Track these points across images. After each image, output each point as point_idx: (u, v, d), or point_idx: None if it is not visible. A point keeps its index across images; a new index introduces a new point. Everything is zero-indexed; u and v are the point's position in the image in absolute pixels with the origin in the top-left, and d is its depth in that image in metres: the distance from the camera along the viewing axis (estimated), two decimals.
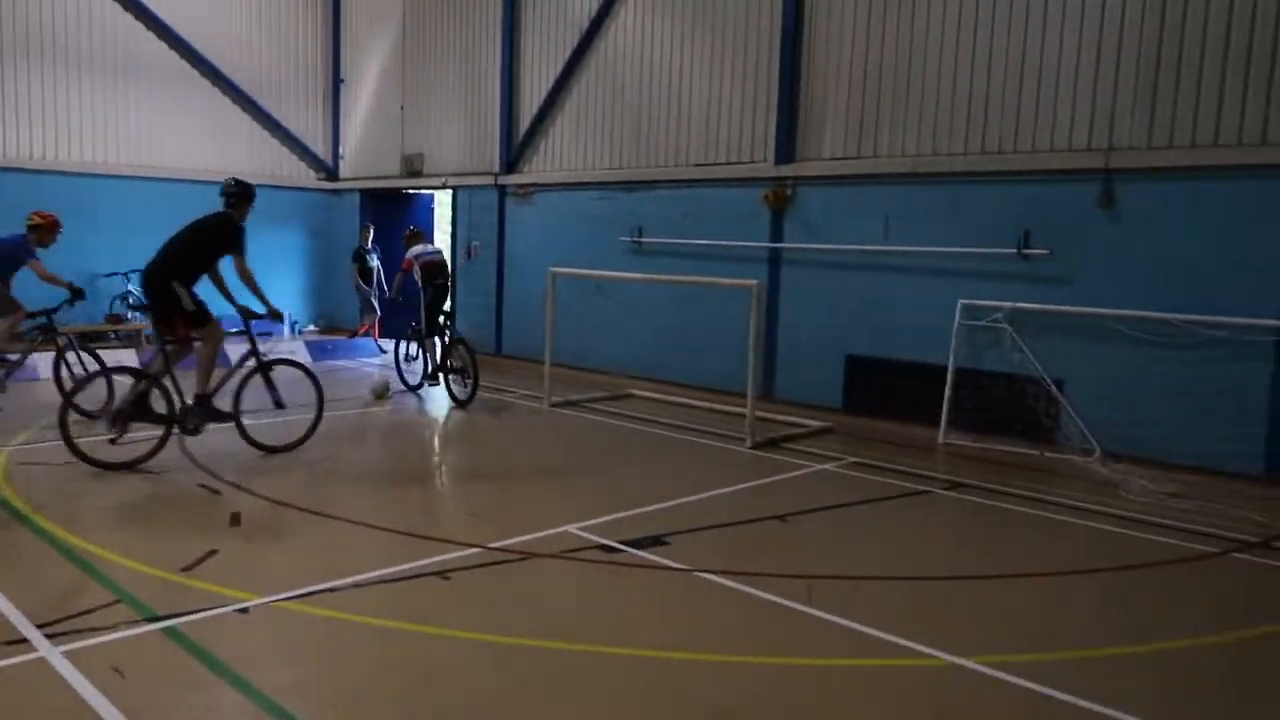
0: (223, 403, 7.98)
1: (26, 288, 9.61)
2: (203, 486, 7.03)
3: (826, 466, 8.31)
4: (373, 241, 15.70)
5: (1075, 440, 8.59)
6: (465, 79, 14.92)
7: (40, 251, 9.43)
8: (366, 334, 15.63)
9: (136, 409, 7.57)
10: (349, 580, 5.16)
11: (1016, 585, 5.55)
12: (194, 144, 15.86)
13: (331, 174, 17.49)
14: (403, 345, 12.00)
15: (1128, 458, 8.31)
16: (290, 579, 5.16)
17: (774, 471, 8.10)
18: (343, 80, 17.30)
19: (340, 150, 17.48)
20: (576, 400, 11.06)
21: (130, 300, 14.78)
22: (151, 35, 15.20)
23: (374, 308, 15.54)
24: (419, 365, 11.57)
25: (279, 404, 8.09)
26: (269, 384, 8.08)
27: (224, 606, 4.75)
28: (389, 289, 12.88)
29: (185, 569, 5.25)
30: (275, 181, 16.77)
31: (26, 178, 14.05)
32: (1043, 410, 8.78)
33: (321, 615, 4.71)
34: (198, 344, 7.80)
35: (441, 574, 5.35)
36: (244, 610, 4.73)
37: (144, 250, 13.53)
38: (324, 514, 6.44)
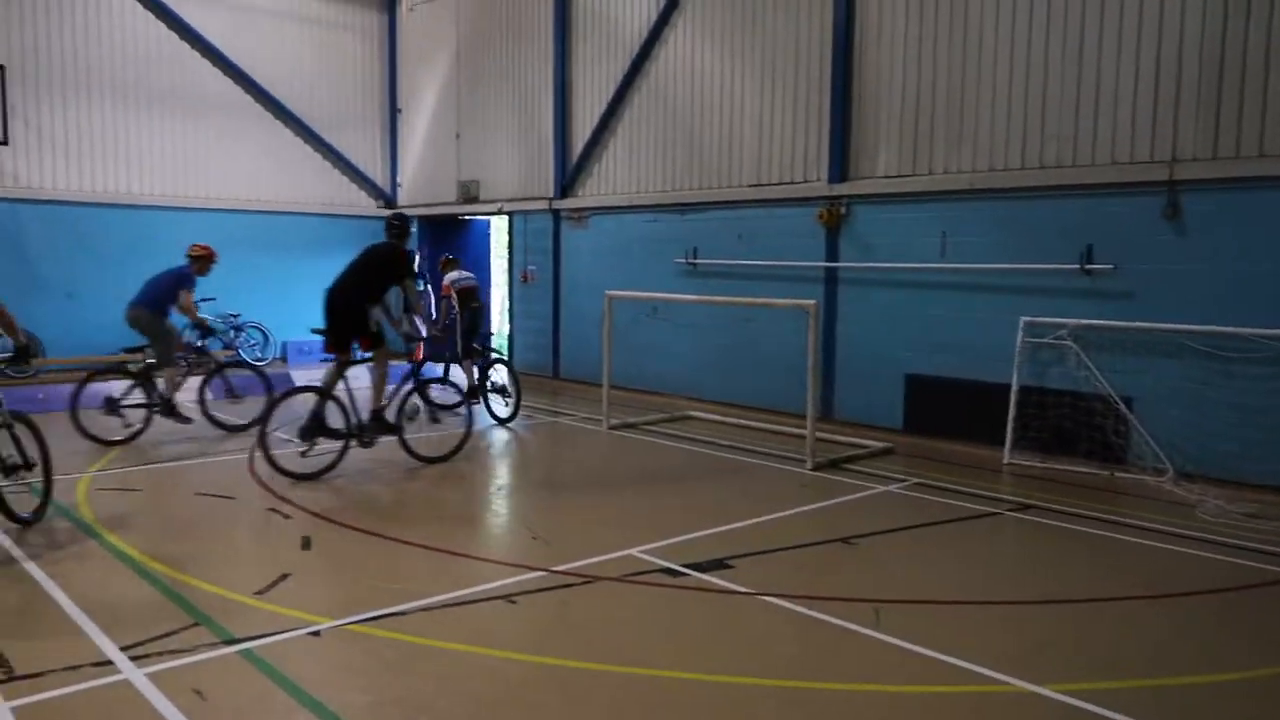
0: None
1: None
2: (273, 510, 7.19)
3: (890, 488, 8.22)
4: (419, 267, 15.91)
5: (1147, 460, 8.39)
6: (519, 106, 15.16)
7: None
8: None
9: (316, 425, 8.22)
10: (417, 604, 5.24)
11: (1090, 610, 5.43)
12: (259, 176, 16.30)
13: (390, 201, 17.84)
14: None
15: (1201, 477, 8.09)
16: (359, 602, 5.25)
17: (836, 493, 8.03)
18: (400, 110, 17.68)
19: (398, 178, 17.85)
20: (635, 423, 11.09)
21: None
22: (218, 72, 15.70)
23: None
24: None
25: (435, 419, 9.08)
26: (426, 401, 8.92)
27: (297, 629, 4.85)
28: (436, 314, 13.07)
29: (259, 592, 5.38)
30: (336, 210, 17.19)
31: (101, 211, 14.60)
32: (1111, 429, 8.60)
33: (391, 638, 4.78)
34: (371, 363, 8.50)
35: (507, 598, 5.40)
36: (316, 633, 4.82)
37: (216, 279, 14.01)
38: (390, 537, 6.54)
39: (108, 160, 14.82)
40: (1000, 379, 9.26)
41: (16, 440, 6.57)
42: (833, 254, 10.86)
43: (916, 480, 8.45)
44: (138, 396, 9.76)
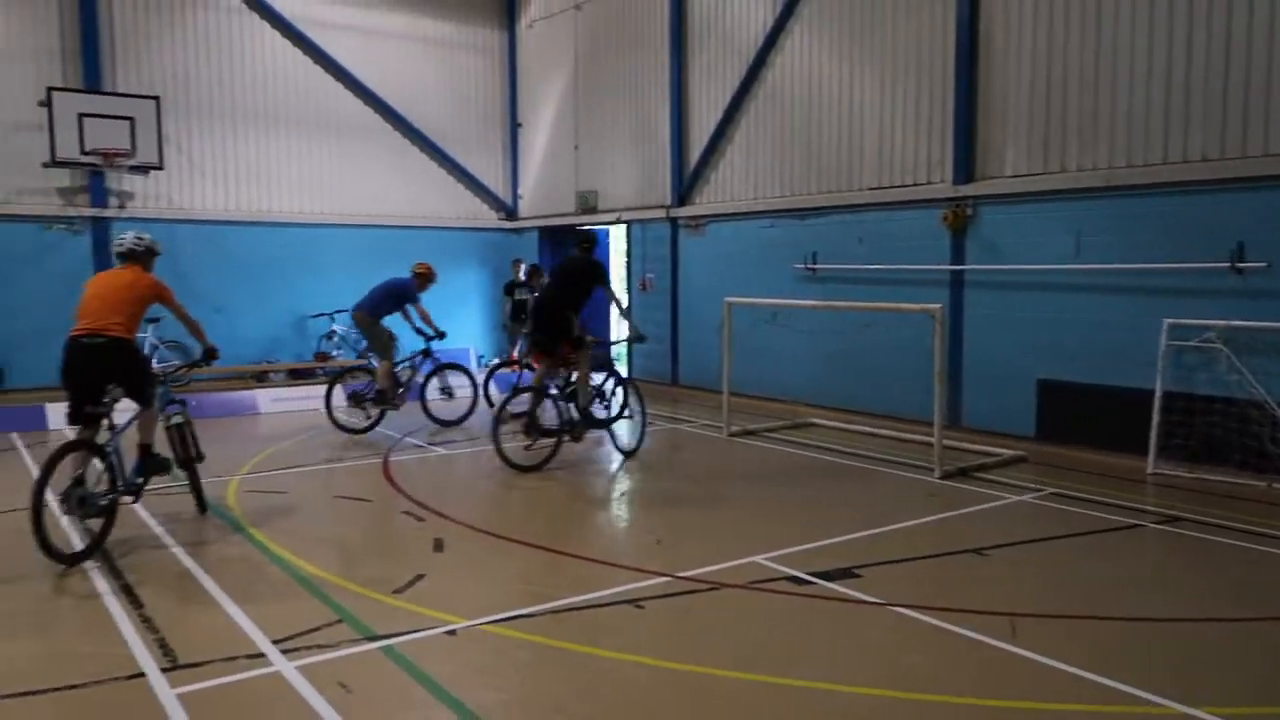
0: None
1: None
2: (407, 514, 7.46)
3: (1023, 498, 7.92)
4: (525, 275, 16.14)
5: None
6: (636, 116, 15.32)
7: None
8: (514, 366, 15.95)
9: (534, 422, 9.03)
10: (545, 606, 5.35)
11: (1246, 630, 5.10)
12: (388, 192, 16.99)
13: (511, 213, 18.31)
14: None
15: None
16: (492, 603, 5.39)
17: (966, 503, 7.79)
18: (520, 124, 18.13)
19: (519, 190, 18.29)
20: (755, 429, 11.03)
21: (335, 339, 15.92)
22: (350, 95, 16.44)
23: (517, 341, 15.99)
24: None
25: (627, 414, 9.77)
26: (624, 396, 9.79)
27: (434, 628, 5.02)
28: None
29: (397, 591, 5.59)
30: (460, 223, 17.75)
31: (244, 230, 15.47)
32: (1268, 436, 8.06)
33: (522, 639, 4.89)
34: (575, 365, 9.38)
35: (634, 602, 5.45)
36: (451, 632, 4.98)
37: (347, 292, 14.56)
38: (517, 540, 6.70)
39: (250, 181, 15.70)
40: (1141, 384, 8.80)
41: (190, 437, 7.31)
42: (958, 256, 10.55)
43: (1052, 490, 8.12)
44: (371, 392, 10.96)
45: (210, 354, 7.25)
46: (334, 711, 4.07)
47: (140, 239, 6.93)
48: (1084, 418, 9.42)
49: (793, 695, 4.29)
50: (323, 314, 15.92)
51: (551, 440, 9.12)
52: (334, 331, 15.94)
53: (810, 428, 11.31)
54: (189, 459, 7.32)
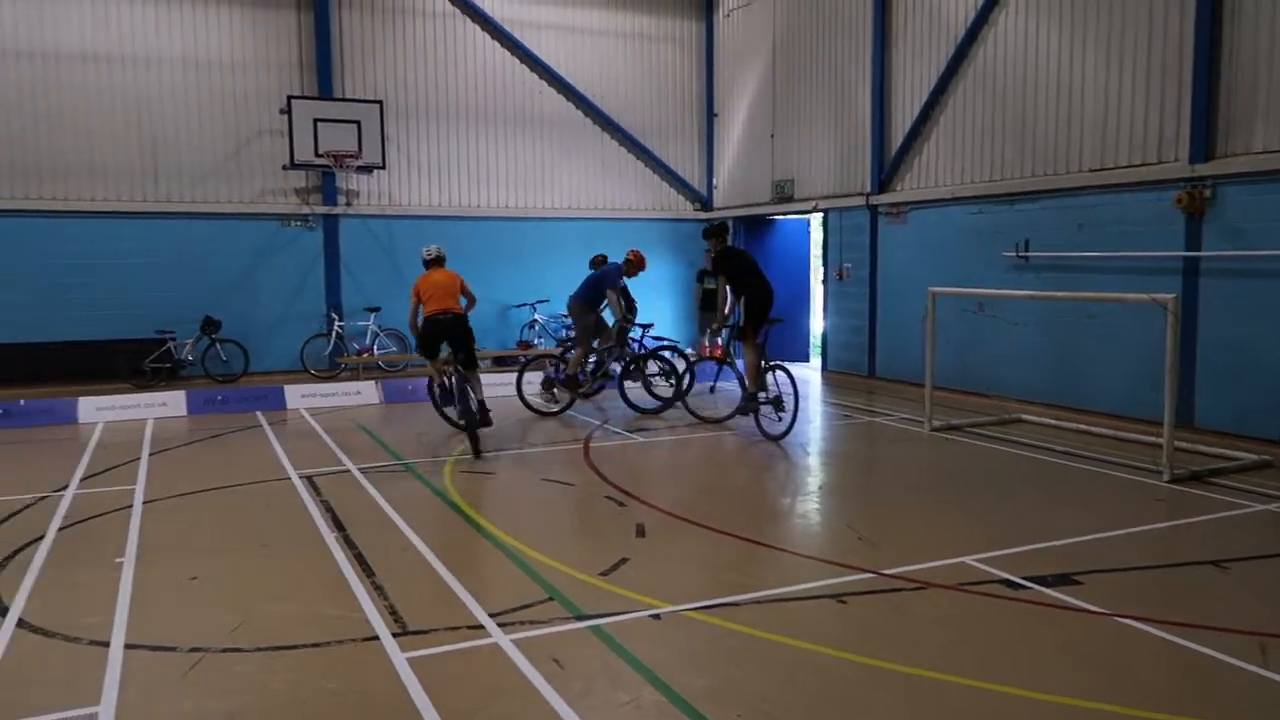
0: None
1: None
2: (609, 499, 7.68)
3: (1269, 507, 7.19)
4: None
5: None
6: (834, 102, 15.00)
7: None
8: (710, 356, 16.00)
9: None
10: (749, 596, 5.36)
11: None
12: (588, 185, 17.50)
13: (706, 204, 18.39)
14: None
15: None
16: (695, 590, 5.47)
17: (1201, 510, 7.16)
18: (716, 114, 18.16)
19: (714, 180, 18.34)
20: (959, 424, 10.58)
21: (537, 328, 16.57)
22: (553, 91, 17.02)
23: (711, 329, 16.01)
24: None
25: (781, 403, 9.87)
26: (776, 383, 9.99)
27: (639, 611, 5.15)
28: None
29: (603, 573, 5.77)
30: (656, 214, 18.02)
31: (457, 223, 16.34)
32: None
33: (727, 627, 4.93)
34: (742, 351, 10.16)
35: (837, 597, 5.38)
36: (656, 616, 5.09)
37: (547, 283, 15.08)
38: (717, 529, 6.75)
39: (464, 178, 16.58)
40: None
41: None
42: (1194, 242, 9.67)
43: None
44: (561, 377, 11.65)
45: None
46: (548, 685, 4.26)
47: (440, 249, 10.47)
48: None
49: (1007, 702, 4.10)
50: (525, 304, 16.60)
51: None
52: (536, 321, 16.59)
53: (1019, 424, 10.72)
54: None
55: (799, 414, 10.07)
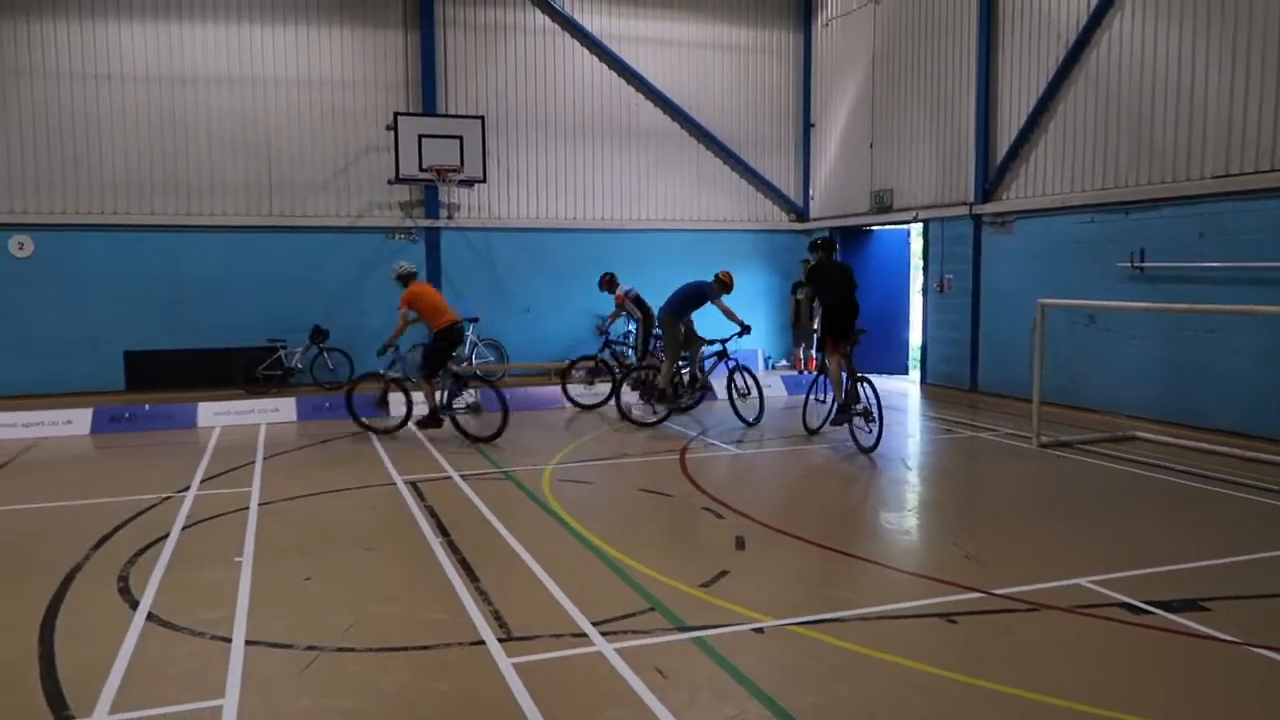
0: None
1: None
2: (707, 510, 7.64)
3: None
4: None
5: None
6: (936, 110, 14.69)
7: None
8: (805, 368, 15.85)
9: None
10: (854, 612, 5.26)
11: None
12: (685, 197, 17.55)
13: (802, 215, 18.22)
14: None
15: None
16: (798, 604, 5.39)
17: None
18: (813, 124, 17.99)
19: (810, 191, 18.16)
20: (1070, 441, 10.19)
21: (631, 339, 16.64)
22: (650, 104, 17.14)
23: (810, 341, 15.88)
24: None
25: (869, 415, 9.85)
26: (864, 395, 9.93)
27: (741, 624, 5.10)
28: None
29: (703, 585, 5.73)
30: (752, 226, 17.94)
31: (555, 236, 16.61)
32: None
33: (833, 644, 4.84)
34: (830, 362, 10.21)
35: (946, 616, 5.23)
36: (759, 630, 5.03)
37: (646, 295, 15.10)
38: (818, 544, 6.64)
39: (561, 191, 16.82)
40: None
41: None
42: None
43: None
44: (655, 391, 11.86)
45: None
46: (652, 695, 4.25)
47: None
48: None
49: None
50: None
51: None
52: (629, 332, 16.64)
53: (1134, 442, 10.27)
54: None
55: (884, 427, 9.89)
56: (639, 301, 13.67)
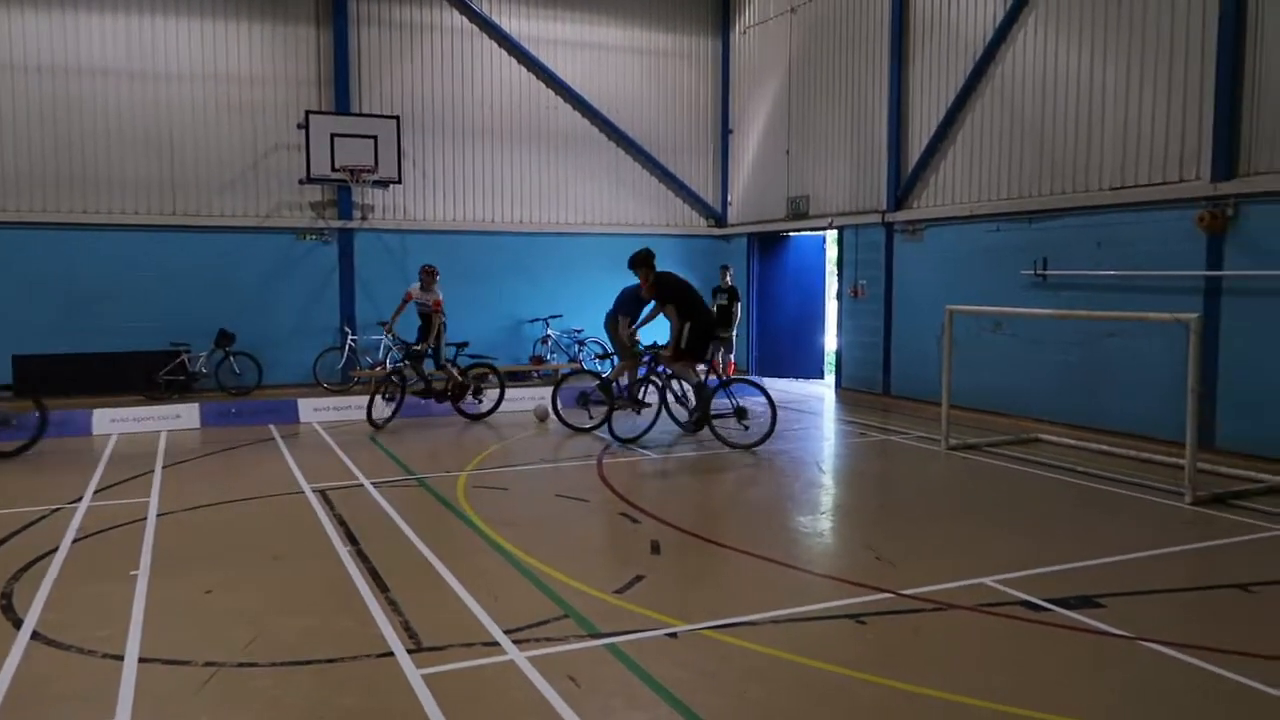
0: None
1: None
2: (623, 515, 7.62)
3: None
4: (731, 281, 16.06)
5: None
6: (851, 119, 14.99)
7: None
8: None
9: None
10: (767, 615, 5.30)
11: None
12: (603, 201, 17.51)
13: (720, 220, 18.38)
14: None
15: None
16: (711, 609, 5.40)
17: (1225, 533, 7.06)
18: (731, 130, 18.18)
19: (728, 197, 18.34)
20: (976, 443, 10.50)
21: (550, 343, 16.55)
22: (569, 108, 17.04)
23: (730, 346, 15.96)
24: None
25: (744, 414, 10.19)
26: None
27: (655, 630, 5.08)
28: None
29: (618, 591, 5.71)
30: (671, 230, 18.00)
31: (471, 238, 16.38)
32: None
33: (744, 647, 4.86)
34: None
35: (855, 618, 5.30)
36: (673, 635, 5.03)
37: (561, 298, 15.00)
38: (732, 547, 6.68)
39: (478, 193, 16.59)
40: None
41: None
42: (1215, 261, 9.58)
43: None
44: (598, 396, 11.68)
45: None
46: (565, 704, 4.20)
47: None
48: None
49: None
50: (538, 319, 16.59)
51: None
52: (549, 336, 16.57)
53: (1037, 444, 10.63)
54: None
55: (775, 425, 10.33)
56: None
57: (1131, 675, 4.57)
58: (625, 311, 11.86)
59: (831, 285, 17.54)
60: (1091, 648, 4.90)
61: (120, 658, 4.71)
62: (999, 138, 12.26)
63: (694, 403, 10.76)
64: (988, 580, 5.88)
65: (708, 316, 10.85)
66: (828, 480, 9.21)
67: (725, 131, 18.27)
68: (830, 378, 16.43)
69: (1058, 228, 11.33)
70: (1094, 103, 10.90)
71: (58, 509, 7.76)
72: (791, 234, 17.20)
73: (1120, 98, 10.59)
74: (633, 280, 11.53)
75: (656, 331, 12.08)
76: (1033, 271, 11.51)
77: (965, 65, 12.64)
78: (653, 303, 11.04)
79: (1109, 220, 10.69)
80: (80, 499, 8.12)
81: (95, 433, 11.63)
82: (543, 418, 12.47)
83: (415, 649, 4.81)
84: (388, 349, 15.35)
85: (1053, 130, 11.44)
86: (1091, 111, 10.93)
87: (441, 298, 12.31)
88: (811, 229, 16.35)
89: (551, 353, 16.57)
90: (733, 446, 10.27)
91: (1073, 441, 10.47)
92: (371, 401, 11.90)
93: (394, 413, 11.98)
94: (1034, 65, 11.68)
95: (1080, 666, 4.68)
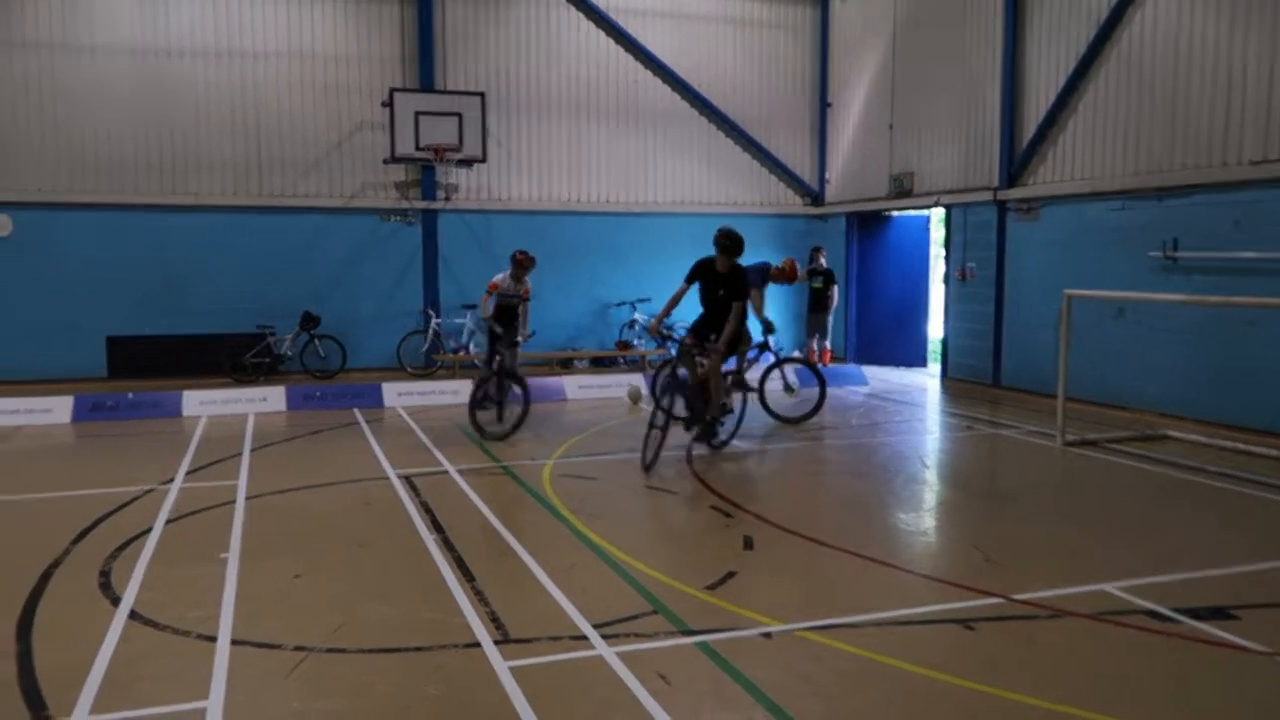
0: None
1: None
2: (714, 508, 7.38)
3: None
4: (826, 263, 15.58)
5: None
6: (960, 90, 14.27)
7: None
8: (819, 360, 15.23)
9: None
10: (867, 617, 5.02)
11: None
12: (695, 179, 17.14)
13: (817, 199, 17.84)
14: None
15: None
16: (808, 608, 5.15)
17: None
18: (829, 104, 17.58)
19: (826, 174, 17.76)
20: (1096, 439, 9.81)
21: (637, 328, 16.28)
22: (659, 82, 16.68)
23: (825, 332, 15.47)
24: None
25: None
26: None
27: (748, 629, 4.86)
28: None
29: (709, 587, 5.49)
30: (764, 209, 17.55)
31: (558, 219, 16.22)
32: None
33: (843, 649, 4.60)
34: None
35: (963, 623, 4.97)
36: (767, 635, 4.79)
37: (653, 281, 14.73)
38: (830, 544, 6.38)
39: (564, 172, 16.38)
40: None
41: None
42: None
43: None
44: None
45: None
46: (655, 702, 4.04)
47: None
48: None
49: None
50: (625, 302, 16.35)
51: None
52: (635, 320, 16.31)
53: (1165, 441, 9.90)
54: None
55: (740, 425, 9.80)
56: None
57: (1270, 694, 4.16)
58: (756, 285, 10.86)
59: (937, 268, 16.89)
60: (1225, 663, 4.48)
61: (213, 639, 4.73)
62: (1125, 108, 11.46)
63: (709, 403, 9.11)
64: (1108, 587, 5.46)
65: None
66: (932, 476, 8.77)
67: (823, 105, 17.67)
68: (935, 367, 15.78)
69: (1191, 205, 10.53)
70: (1233, 69, 10.06)
71: (151, 490, 7.93)
72: (894, 213, 16.56)
73: (1263, 64, 9.74)
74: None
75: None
76: (1161, 253, 10.73)
77: (1088, 31, 11.85)
78: (697, 284, 9.23)
79: (1249, 197, 9.87)
80: (173, 480, 8.28)
81: (185, 414, 11.81)
82: (636, 399, 12.30)
83: (502, 640, 4.70)
84: (470, 333, 15.35)
85: (1186, 99, 10.62)
86: (1231, 78, 10.09)
87: (530, 285, 10.85)
88: (916, 208, 15.69)
89: (639, 338, 16.33)
90: (783, 420, 10.82)
91: (1205, 439, 9.71)
92: (479, 404, 10.27)
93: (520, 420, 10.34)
94: (1166, 30, 10.86)
95: (1211, 684, 4.28)
